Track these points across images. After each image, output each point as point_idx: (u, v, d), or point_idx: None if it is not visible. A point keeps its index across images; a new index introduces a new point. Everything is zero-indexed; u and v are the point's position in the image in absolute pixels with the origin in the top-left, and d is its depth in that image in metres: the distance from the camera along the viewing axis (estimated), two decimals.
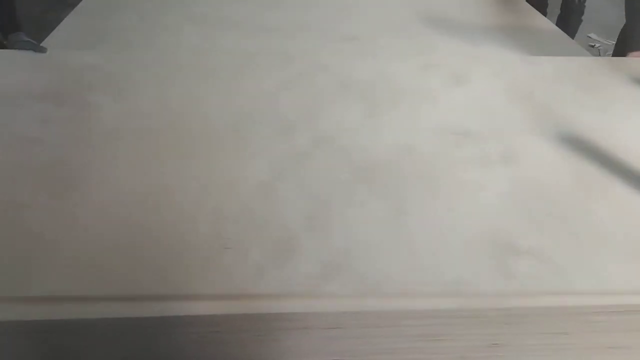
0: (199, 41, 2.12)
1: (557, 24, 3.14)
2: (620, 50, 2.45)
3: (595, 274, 1.09)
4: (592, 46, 4.19)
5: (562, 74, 1.80)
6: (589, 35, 4.25)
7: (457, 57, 1.91)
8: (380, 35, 2.21)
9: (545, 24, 2.48)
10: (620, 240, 1.17)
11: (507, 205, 1.24)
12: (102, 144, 1.37)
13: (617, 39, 2.63)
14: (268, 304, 1.01)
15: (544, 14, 3.01)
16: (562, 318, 1.08)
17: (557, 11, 3.18)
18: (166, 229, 1.13)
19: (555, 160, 1.40)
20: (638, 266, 1.11)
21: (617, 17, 2.13)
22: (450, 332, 1.07)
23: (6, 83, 1.62)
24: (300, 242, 1.12)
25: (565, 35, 2.38)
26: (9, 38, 1.93)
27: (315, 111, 1.54)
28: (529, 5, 2.70)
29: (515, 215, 1.22)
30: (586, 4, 2.99)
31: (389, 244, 1.13)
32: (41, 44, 1.93)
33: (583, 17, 3.11)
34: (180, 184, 1.25)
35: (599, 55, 4.03)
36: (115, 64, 1.73)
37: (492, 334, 1.09)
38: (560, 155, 1.41)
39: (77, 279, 1.01)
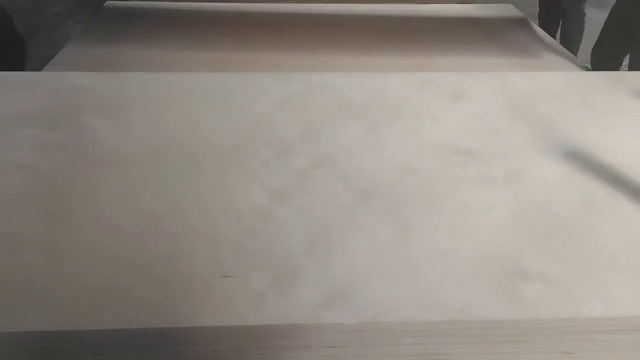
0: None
1: (560, 40, 3.17)
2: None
3: (603, 296, 1.07)
4: None
5: (564, 90, 1.79)
6: None
7: (456, 73, 1.91)
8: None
9: (549, 41, 2.48)
10: (628, 260, 1.15)
11: (512, 227, 1.23)
12: (95, 169, 1.36)
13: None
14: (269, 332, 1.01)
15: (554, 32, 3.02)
16: (566, 337, 1.07)
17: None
18: (161, 256, 1.12)
19: (560, 179, 1.38)
20: None
21: None
22: (451, 351, 1.06)
23: None
24: (301, 268, 1.10)
25: (567, 52, 2.39)
26: None
27: (313, 131, 1.54)
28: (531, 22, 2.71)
29: (521, 237, 1.20)
30: (590, 18, 3.00)
31: (391, 270, 1.11)
32: None
33: (585, 32, 3.12)
34: (176, 209, 1.24)
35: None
36: (109, 85, 1.72)
37: (494, 353, 1.08)
38: (564, 174, 1.40)
39: (72, 312, 1.00)
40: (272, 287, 1.06)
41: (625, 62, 3.01)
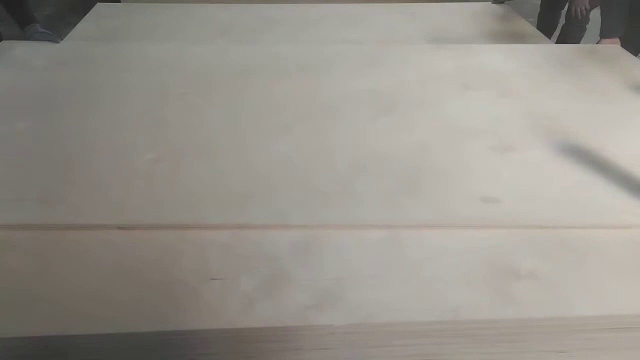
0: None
1: (559, 37, 3.16)
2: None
3: (595, 294, 1.06)
4: None
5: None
6: None
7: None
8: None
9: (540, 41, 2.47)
10: (620, 259, 1.15)
11: (503, 226, 1.22)
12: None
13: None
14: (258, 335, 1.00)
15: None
16: (559, 336, 1.06)
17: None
18: (150, 261, 1.11)
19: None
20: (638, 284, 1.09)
21: None
22: (443, 352, 1.04)
23: None
24: (291, 270, 1.09)
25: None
26: (25, 29, 2.11)
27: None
28: (525, 23, 2.69)
29: (512, 237, 1.19)
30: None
31: (383, 270, 1.10)
32: None
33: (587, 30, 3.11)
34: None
35: None
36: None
37: (487, 353, 1.06)
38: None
39: (59, 317, 0.99)
40: (261, 290, 1.05)
41: None
